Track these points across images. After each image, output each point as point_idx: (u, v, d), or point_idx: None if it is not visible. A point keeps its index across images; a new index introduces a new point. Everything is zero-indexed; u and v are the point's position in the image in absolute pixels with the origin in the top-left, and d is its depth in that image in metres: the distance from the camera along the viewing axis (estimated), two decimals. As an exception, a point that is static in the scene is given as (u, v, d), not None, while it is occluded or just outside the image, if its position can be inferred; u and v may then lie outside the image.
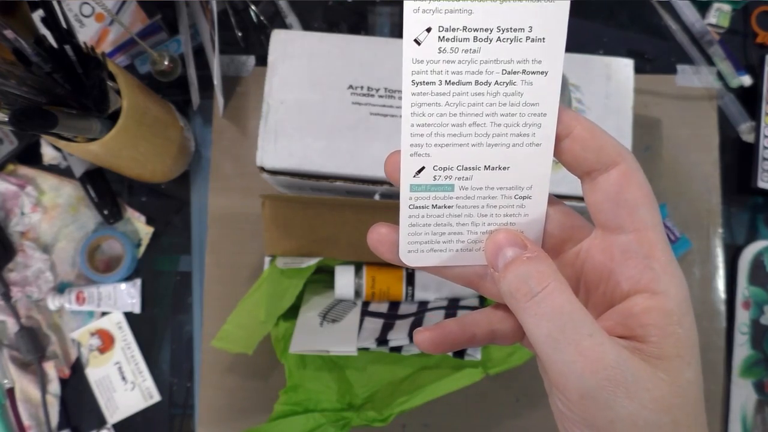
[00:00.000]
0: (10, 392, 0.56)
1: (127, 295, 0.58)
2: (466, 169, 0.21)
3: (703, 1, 0.61)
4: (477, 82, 0.20)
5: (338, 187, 0.49)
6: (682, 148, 0.59)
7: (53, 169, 0.60)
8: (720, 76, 0.60)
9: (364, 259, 0.53)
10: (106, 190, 0.58)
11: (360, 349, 0.49)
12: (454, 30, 0.19)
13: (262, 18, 0.60)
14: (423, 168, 0.21)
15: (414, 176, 0.21)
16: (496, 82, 0.20)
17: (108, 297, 0.57)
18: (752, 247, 0.57)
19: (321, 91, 0.48)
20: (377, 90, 0.48)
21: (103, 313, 0.58)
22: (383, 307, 0.53)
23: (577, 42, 0.61)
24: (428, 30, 0.19)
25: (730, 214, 0.59)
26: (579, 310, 0.20)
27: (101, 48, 0.59)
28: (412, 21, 0.19)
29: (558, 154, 0.21)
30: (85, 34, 0.58)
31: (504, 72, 0.20)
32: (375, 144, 0.47)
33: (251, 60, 0.60)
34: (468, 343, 0.24)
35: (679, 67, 0.60)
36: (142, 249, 0.59)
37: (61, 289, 0.58)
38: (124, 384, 0.57)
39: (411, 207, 0.22)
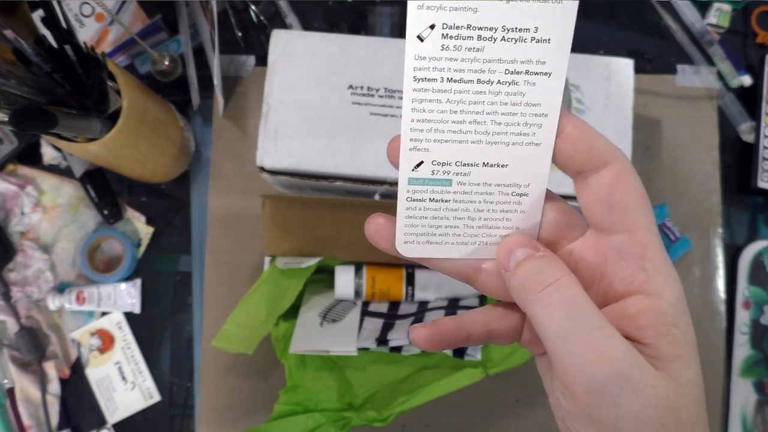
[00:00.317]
0: (10, 392, 0.56)
1: (127, 295, 0.58)
2: (464, 165, 0.22)
3: (703, 1, 0.61)
4: (479, 81, 0.20)
5: (338, 187, 0.49)
6: (682, 148, 0.59)
7: (53, 169, 0.60)
8: (720, 76, 0.60)
9: (364, 259, 0.53)
10: (106, 190, 0.58)
11: (360, 349, 0.49)
12: (457, 28, 0.19)
13: (262, 18, 0.60)
14: (422, 162, 0.21)
15: (412, 170, 0.22)
16: (499, 82, 0.20)
17: (108, 297, 0.57)
18: (752, 247, 0.57)
19: (321, 91, 0.48)
20: (377, 90, 0.48)
21: (103, 313, 0.58)
22: (383, 307, 0.53)
23: (577, 42, 0.60)
24: (432, 27, 0.19)
25: (730, 214, 0.59)
26: (589, 304, 0.20)
27: (101, 48, 0.59)
28: (415, 17, 0.19)
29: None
30: (85, 34, 0.58)
31: (507, 72, 0.20)
32: (375, 144, 0.47)
33: (251, 60, 0.60)
34: (464, 342, 0.24)
35: (679, 67, 0.60)
36: (142, 249, 0.59)
37: (61, 289, 0.58)
38: (124, 384, 0.57)
39: (408, 200, 0.22)
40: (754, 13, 0.61)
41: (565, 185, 0.23)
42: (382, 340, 0.49)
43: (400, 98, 0.48)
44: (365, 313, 0.53)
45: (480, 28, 0.19)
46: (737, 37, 0.61)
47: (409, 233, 0.23)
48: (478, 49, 0.20)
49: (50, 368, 0.57)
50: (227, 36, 0.60)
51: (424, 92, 0.20)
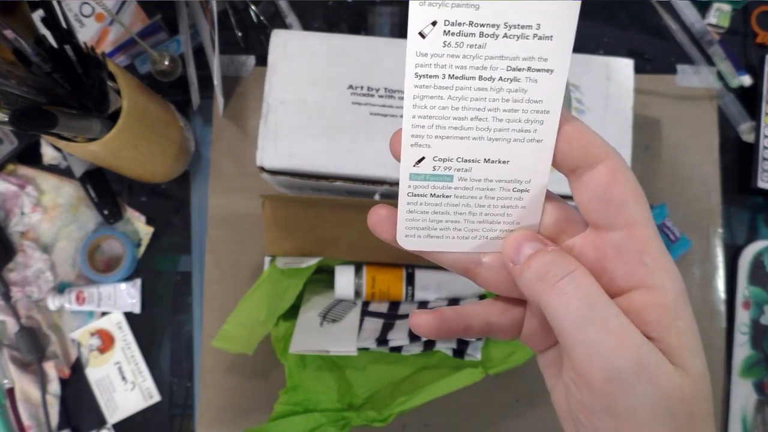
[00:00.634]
0: (10, 392, 0.56)
1: (127, 295, 0.58)
2: (465, 161, 0.22)
3: (703, 1, 0.61)
4: (481, 78, 0.20)
5: (338, 187, 0.49)
6: (682, 148, 0.59)
7: (53, 169, 0.60)
8: (720, 76, 0.60)
9: (364, 259, 0.53)
10: (106, 190, 0.58)
11: (360, 349, 0.49)
12: (459, 24, 0.19)
13: (262, 18, 0.60)
14: (423, 158, 0.22)
15: (414, 165, 0.22)
16: (500, 78, 0.20)
17: (108, 297, 0.57)
18: (752, 247, 0.57)
19: (321, 91, 0.48)
20: (377, 90, 0.48)
21: (103, 313, 0.58)
22: (383, 307, 0.53)
23: (577, 42, 0.60)
24: (434, 23, 0.19)
25: (730, 214, 0.59)
26: (604, 294, 0.20)
27: (101, 48, 0.59)
28: (417, 14, 0.19)
29: None
30: (85, 34, 0.58)
31: (509, 68, 0.20)
32: (375, 144, 0.47)
33: (251, 60, 0.60)
34: (463, 333, 0.24)
35: (679, 67, 0.60)
36: (142, 249, 0.59)
37: (61, 289, 0.58)
38: (124, 384, 0.57)
39: (410, 195, 0.22)
40: (754, 13, 0.61)
41: (564, 185, 0.23)
42: (382, 340, 0.49)
43: (401, 98, 0.48)
44: (365, 313, 0.53)
45: (482, 25, 0.19)
46: (737, 37, 0.61)
47: (410, 227, 0.23)
48: (480, 45, 0.20)
49: (50, 368, 0.57)
50: (227, 36, 0.60)
51: (425, 89, 0.20)
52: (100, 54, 0.44)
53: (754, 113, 0.59)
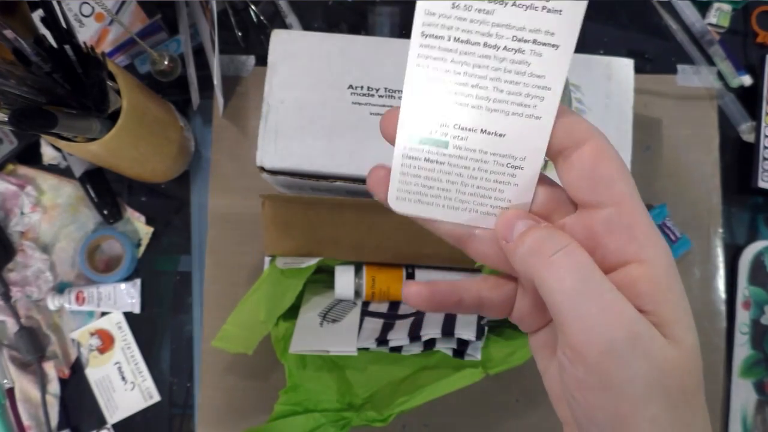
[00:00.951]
0: (10, 392, 0.56)
1: (127, 295, 0.58)
2: (462, 129, 0.22)
3: (703, 1, 0.61)
4: (486, 45, 0.20)
5: (338, 187, 0.49)
6: (682, 148, 0.59)
7: (53, 169, 0.60)
8: (720, 76, 0.60)
9: (364, 259, 0.53)
10: (106, 190, 0.58)
11: (360, 349, 0.49)
12: None
13: (262, 18, 0.60)
14: (421, 120, 0.22)
15: (411, 126, 0.22)
16: (505, 48, 0.20)
17: (108, 297, 0.57)
18: (752, 247, 0.57)
19: (321, 91, 0.48)
20: (377, 90, 0.48)
21: (103, 313, 0.58)
22: (383, 307, 0.53)
23: (577, 42, 0.61)
24: None
25: (730, 214, 0.59)
26: (597, 269, 0.20)
27: (101, 48, 0.59)
28: None
29: None
30: (85, 34, 0.58)
31: (514, 38, 0.20)
32: (375, 144, 0.47)
33: (251, 60, 0.60)
34: (455, 307, 0.24)
35: (679, 67, 0.60)
36: (142, 249, 0.59)
37: (60, 289, 0.58)
38: (124, 384, 0.57)
39: (404, 156, 0.22)
40: (754, 13, 0.61)
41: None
42: (382, 340, 0.49)
43: (401, 98, 0.48)
44: (365, 313, 0.53)
45: None
46: (737, 37, 0.61)
47: (402, 189, 0.23)
48: (488, 11, 0.20)
49: (50, 368, 0.57)
50: (227, 36, 0.60)
51: (430, 49, 0.20)
52: (100, 54, 0.44)
53: (754, 113, 0.59)
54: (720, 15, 0.60)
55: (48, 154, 0.59)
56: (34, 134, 0.58)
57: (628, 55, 0.53)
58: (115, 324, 0.58)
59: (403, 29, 0.61)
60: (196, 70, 0.58)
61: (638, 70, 0.50)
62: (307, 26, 0.60)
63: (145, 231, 0.59)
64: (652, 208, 0.57)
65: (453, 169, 0.22)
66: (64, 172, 0.59)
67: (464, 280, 0.25)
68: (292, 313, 0.52)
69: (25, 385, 0.57)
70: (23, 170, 0.59)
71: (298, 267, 0.51)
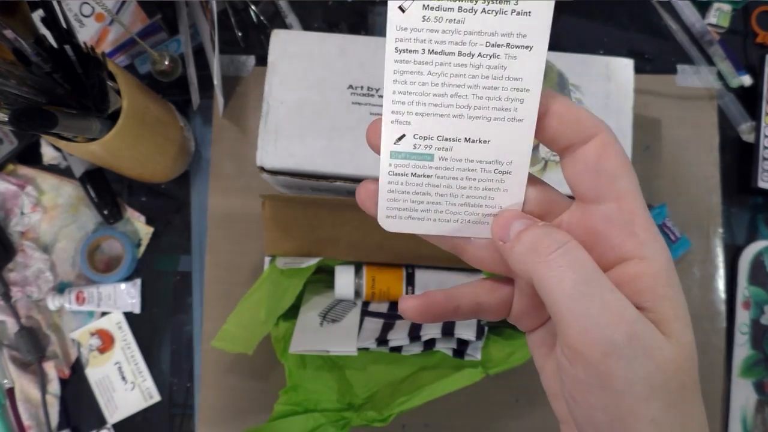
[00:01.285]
0: (10, 392, 0.56)
1: (127, 295, 0.58)
2: (446, 139, 0.21)
3: (703, 1, 0.61)
4: (460, 53, 0.20)
5: (338, 187, 0.49)
6: (682, 148, 0.59)
7: (53, 169, 0.60)
8: (720, 76, 0.60)
9: (364, 259, 0.53)
10: (106, 190, 0.58)
11: (360, 349, 0.49)
12: None
13: (262, 18, 0.60)
14: (403, 135, 0.22)
15: (394, 143, 0.22)
16: (480, 54, 0.20)
17: (108, 297, 0.57)
18: (752, 247, 0.57)
19: (321, 91, 0.48)
20: (377, 90, 0.48)
21: (103, 313, 0.58)
22: (383, 307, 0.53)
23: (577, 42, 0.61)
24: None
25: (730, 214, 0.59)
26: (597, 267, 0.20)
27: (101, 48, 0.59)
28: None
29: (538, 132, 0.21)
30: (85, 34, 0.58)
31: (488, 44, 0.20)
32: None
33: (251, 60, 0.60)
34: (453, 315, 0.24)
35: (679, 67, 0.60)
36: (142, 249, 0.59)
37: (61, 289, 0.58)
38: (124, 384, 0.57)
39: (391, 173, 0.22)
40: (754, 13, 0.61)
41: (561, 188, 0.23)
42: (382, 340, 0.49)
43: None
44: (365, 313, 0.53)
45: (461, 0, 0.20)
46: (737, 37, 0.61)
47: (392, 207, 0.23)
48: (459, 20, 0.20)
49: (50, 368, 0.57)
50: (227, 36, 0.60)
51: (405, 63, 0.20)
52: (100, 54, 0.44)
53: (754, 113, 0.59)
54: (720, 15, 0.60)
55: (48, 154, 0.59)
56: (34, 134, 0.58)
57: (628, 55, 0.53)
58: (115, 324, 0.58)
59: None
60: (196, 70, 0.58)
61: (638, 70, 0.50)
62: (307, 26, 0.60)
63: (145, 231, 0.59)
64: (652, 208, 0.57)
65: (441, 182, 0.22)
66: (64, 172, 0.59)
67: (459, 286, 0.24)
68: (292, 313, 0.52)
69: (25, 385, 0.57)
70: (23, 170, 0.59)
71: (298, 267, 0.51)
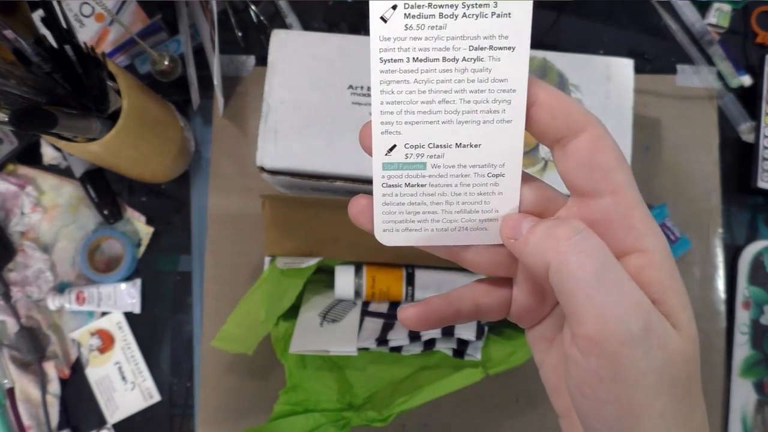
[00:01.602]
0: (10, 392, 0.56)
1: (127, 295, 0.58)
2: (437, 146, 0.21)
3: (703, 1, 0.61)
4: (444, 59, 0.20)
5: (338, 187, 0.49)
6: (682, 148, 0.59)
7: (53, 169, 0.60)
8: (720, 76, 0.60)
9: (364, 259, 0.53)
10: (106, 190, 0.58)
11: (360, 349, 0.49)
12: (419, 6, 0.20)
13: (262, 18, 0.60)
14: (394, 146, 0.21)
15: (386, 154, 0.22)
16: (464, 59, 0.20)
17: (108, 297, 0.57)
18: (752, 247, 0.57)
19: (321, 91, 0.48)
20: (377, 90, 0.48)
21: (103, 313, 0.58)
22: (383, 307, 0.53)
23: (577, 42, 0.61)
24: (394, 7, 0.20)
25: (730, 214, 0.59)
26: (613, 256, 0.20)
27: (101, 48, 0.59)
28: None
29: (527, 124, 0.21)
30: (85, 34, 0.58)
31: (471, 48, 0.20)
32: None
33: (251, 60, 0.60)
34: (453, 319, 0.24)
35: (679, 67, 0.60)
36: (142, 249, 0.59)
37: (61, 289, 0.58)
38: (124, 384, 0.57)
39: (384, 186, 0.22)
40: (754, 13, 0.61)
41: (558, 188, 0.23)
42: (382, 340, 0.49)
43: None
44: (365, 313, 0.53)
45: (441, 6, 0.20)
46: (737, 37, 0.61)
47: (388, 221, 0.23)
48: (441, 26, 0.20)
49: (50, 368, 0.57)
50: (227, 36, 0.60)
51: (391, 73, 0.20)
52: (100, 54, 0.44)
53: (754, 113, 0.59)
54: (720, 15, 0.60)
55: (48, 154, 0.59)
56: (35, 134, 0.58)
57: (627, 55, 0.53)
58: (116, 324, 0.58)
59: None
60: (196, 70, 0.58)
61: (638, 70, 0.50)
62: (307, 26, 0.60)
63: (145, 231, 0.59)
64: (652, 208, 0.57)
65: (435, 190, 0.22)
66: (65, 172, 0.59)
67: (457, 290, 0.24)
68: (292, 313, 0.52)
69: (25, 385, 0.57)
70: (23, 170, 0.59)
71: (298, 267, 0.51)
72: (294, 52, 0.48)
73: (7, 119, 0.37)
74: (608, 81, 0.49)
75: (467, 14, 0.20)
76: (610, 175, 0.20)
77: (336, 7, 0.61)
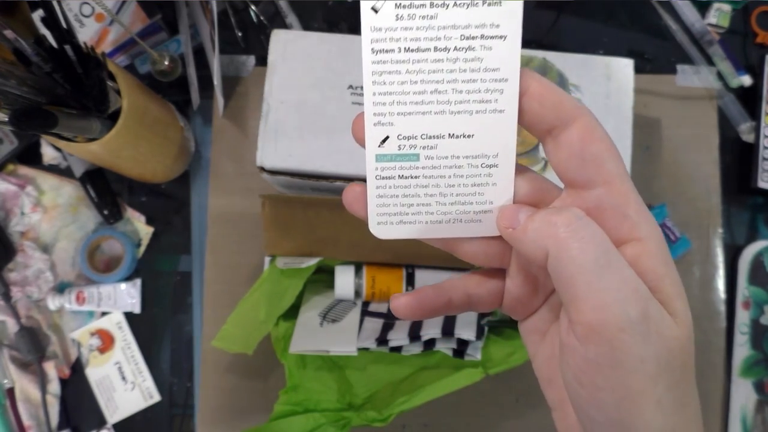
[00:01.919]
0: (10, 392, 0.56)
1: (127, 295, 0.58)
2: (430, 137, 0.21)
3: (703, 1, 0.61)
4: (436, 49, 0.20)
5: (338, 187, 0.49)
6: (682, 148, 0.59)
7: (53, 169, 0.60)
8: (720, 76, 0.60)
9: (364, 259, 0.53)
10: (106, 190, 0.58)
11: (360, 349, 0.49)
12: None
13: (262, 18, 0.60)
14: (387, 137, 0.21)
15: (379, 146, 0.22)
16: (455, 48, 0.20)
17: (108, 297, 0.57)
18: (752, 247, 0.57)
19: (321, 91, 0.48)
20: (377, 90, 0.48)
21: (103, 313, 0.58)
22: (383, 307, 0.53)
23: (577, 42, 0.61)
24: None
25: (730, 214, 0.59)
26: (611, 243, 0.20)
27: (101, 48, 0.59)
28: None
29: (518, 115, 0.21)
30: (85, 34, 0.58)
31: (462, 37, 0.20)
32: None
33: (251, 60, 0.60)
34: (445, 309, 0.24)
35: (679, 67, 0.60)
36: (142, 249, 0.59)
37: (61, 289, 0.58)
38: (124, 384, 0.57)
39: (378, 178, 0.22)
40: (754, 13, 0.61)
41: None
42: (382, 340, 0.49)
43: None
44: (365, 313, 0.53)
45: None
46: (737, 37, 0.61)
47: (382, 213, 0.23)
48: (432, 16, 0.20)
49: (50, 368, 0.57)
50: (227, 36, 0.60)
51: (383, 64, 0.20)
52: (100, 54, 0.44)
53: (754, 113, 0.59)
54: (720, 15, 0.60)
55: (48, 154, 0.59)
56: (35, 134, 0.58)
57: (627, 55, 0.53)
58: (116, 324, 0.58)
59: None
60: (196, 70, 0.58)
61: (638, 70, 0.50)
62: (307, 26, 0.60)
63: (145, 231, 0.59)
64: (652, 208, 0.57)
65: (429, 182, 0.22)
66: (65, 172, 0.59)
67: (449, 280, 0.24)
68: (292, 313, 0.52)
69: (25, 385, 0.57)
70: (23, 170, 0.59)
71: (298, 267, 0.51)
72: (294, 52, 0.48)
73: (7, 119, 0.37)
74: (608, 81, 0.49)
75: (458, 3, 0.20)
76: (603, 165, 0.20)
77: (336, 7, 0.61)
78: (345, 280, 0.53)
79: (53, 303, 0.57)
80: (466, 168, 0.22)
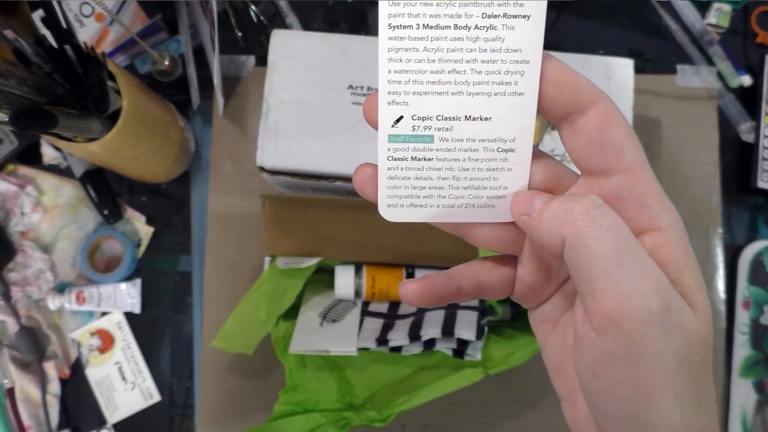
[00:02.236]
0: (10, 392, 0.56)
1: (127, 295, 0.58)
2: (446, 119, 0.21)
3: (703, 1, 0.61)
4: (456, 26, 0.19)
5: (338, 187, 0.49)
6: (682, 148, 0.59)
7: (53, 169, 0.60)
8: (720, 76, 0.60)
9: (364, 259, 0.53)
10: (106, 190, 0.58)
11: (360, 349, 0.49)
12: None
13: (262, 18, 0.60)
14: (401, 117, 0.21)
15: (392, 126, 0.21)
16: (476, 27, 0.19)
17: (108, 297, 0.57)
18: (752, 247, 0.57)
19: (321, 91, 0.48)
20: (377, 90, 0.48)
21: (103, 313, 0.58)
22: (383, 307, 0.53)
23: (577, 42, 0.61)
24: None
25: (730, 214, 0.59)
26: (631, 232, 0.19)
27: (101, 48, 0.59)
28: None
29: None
30: (85, 34, 0.58)
31: (484, 15, 0.19)
32: (375, 144, 0.47)
33: (251, 60, 0.60)
34: (455, 296, 0.23)
35: (679, 67, 0.60)
36: (142, 249, 0.59)
37: (61, 289, 0.58)
38: (124, 384, 0.57)
39: (390, 159, 0.21)
40: (754, 13, 0.61)
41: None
42: (382, 340, 0.49)
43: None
44: (365, 313, 0.53)
45: None
46: (737, 37, 0.61)
47: (392, 195, 0.22)
48: None
49: (50, 368, 0.57)
50: (227, 36, 0.60)
51: (400, 40, 0.19)
52: (100, 54, 0.44)
53: (754, 113, 0.59)
54: (720, 15, 0.60)
55: (48, 154, 0.59)
56: (35, 134, 0.58)
57: (627, 55, 0.53)
58: (116, 324, 0.58)
59: None
60: (196, 70, 0.58)
61: (638, 70, 0.50)
62: (307, 26, 0.60)
63: (145, 231, 0.59)
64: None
65: (443, 164, 0.21)
66: (65, 172, 0.59)
67: (459, 267, 0.23)
68: (292, 313, 0.52)
69: (25, 385, 0.57)
70: (23, 170, 0.59)
71: (298, 267, 0.51)
72: (294, 52, 0.48)
73: (7, 119, 0.37)
74: (608, 81, 0.49)
75: None
76: (622, 152, 0.19)
77: (336, 7, 0.61)
78: (345, 280, 0.53)
79: (53, 303, 0.57)
80: (481, 152, 0.21)
